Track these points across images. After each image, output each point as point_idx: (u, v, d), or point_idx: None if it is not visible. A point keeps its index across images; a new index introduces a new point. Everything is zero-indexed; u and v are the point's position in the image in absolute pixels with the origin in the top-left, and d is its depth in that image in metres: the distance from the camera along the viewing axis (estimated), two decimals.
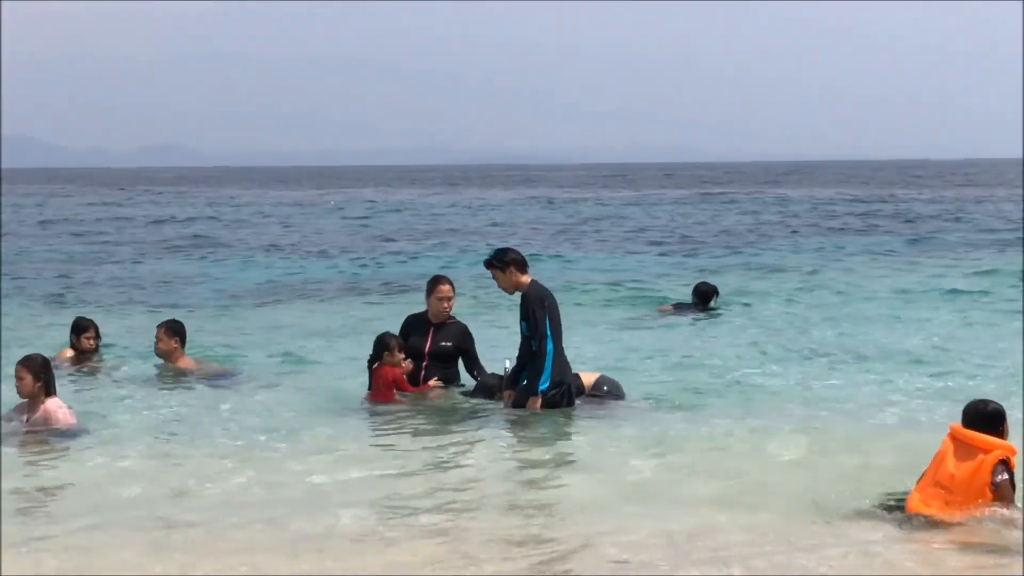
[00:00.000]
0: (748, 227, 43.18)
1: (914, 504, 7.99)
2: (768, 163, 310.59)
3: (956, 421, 8.21)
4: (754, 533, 7.59)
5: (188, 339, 13.21)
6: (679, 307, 19.14)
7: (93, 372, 13.39)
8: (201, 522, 7.79)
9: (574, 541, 7.43)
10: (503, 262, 10.92)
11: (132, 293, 23.61)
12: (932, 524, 7.72)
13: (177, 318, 13.90)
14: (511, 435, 10.46)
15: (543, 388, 10.66)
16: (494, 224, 47.97)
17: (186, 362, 13.26)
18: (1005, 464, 7.92)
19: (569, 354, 11.12)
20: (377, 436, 10.54)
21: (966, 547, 7.41)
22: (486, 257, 11.18)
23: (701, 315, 18.50)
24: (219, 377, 12.93)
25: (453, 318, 11.80)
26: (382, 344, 11.57)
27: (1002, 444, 7.98)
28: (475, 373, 11.71)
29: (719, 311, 18.88)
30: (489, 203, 66.98)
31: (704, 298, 18.83)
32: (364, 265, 29.97)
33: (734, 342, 15.97)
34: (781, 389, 12.64)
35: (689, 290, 19.76)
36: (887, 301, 20.55)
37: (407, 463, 9.49)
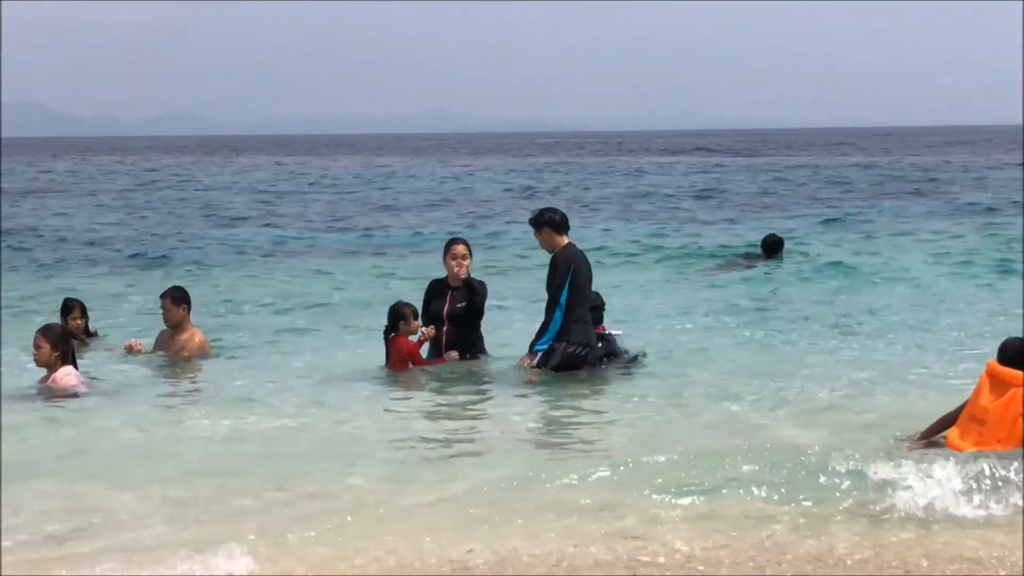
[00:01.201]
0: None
1: (953, 439, 8.28)
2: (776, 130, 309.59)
3: None
4: None
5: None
6: (748, 257, 20.62)
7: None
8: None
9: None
10: (539, 223, 11.13)
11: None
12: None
13: (179, 284, 13.52)
14: (522, 401, 10.47)
15: (540, 348, 10.86)
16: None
17: (192, 332, 12.92)
18: None
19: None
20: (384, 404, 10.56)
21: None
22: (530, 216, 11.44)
23: (770, 264, 19.90)
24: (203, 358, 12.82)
25: (472, 278, 11.74)
26: (397, 314, 11.49)
27: None
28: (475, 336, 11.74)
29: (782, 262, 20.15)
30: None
31: (772, 249, 20.11)
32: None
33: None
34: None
35: None
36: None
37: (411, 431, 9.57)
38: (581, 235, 24.62)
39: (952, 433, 8.34)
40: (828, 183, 49.43)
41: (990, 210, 33.31)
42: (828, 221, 30.50)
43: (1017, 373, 8.19)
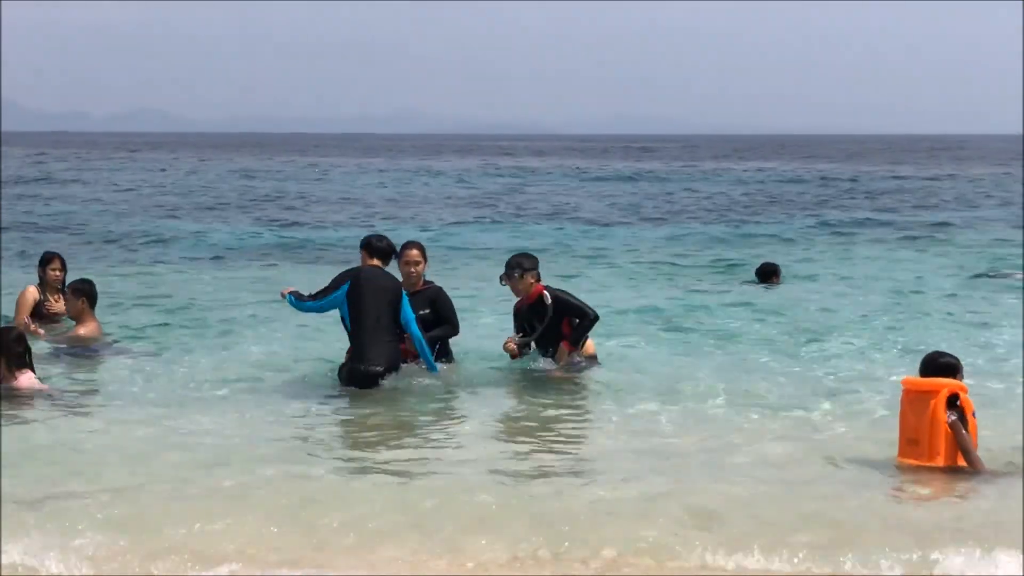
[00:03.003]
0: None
1: (902, 461, 8.31)
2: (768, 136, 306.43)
3: None
4: None
5: None
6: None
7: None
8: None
9: None
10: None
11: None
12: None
13: (86, 277, 13.36)
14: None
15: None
16: None
17: (91, 327, 12.76)
18: (953, 403, 8.11)
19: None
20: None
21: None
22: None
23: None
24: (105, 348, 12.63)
25: (429, 283, 11.54)
26: None
27: (948, 382, 8.19)
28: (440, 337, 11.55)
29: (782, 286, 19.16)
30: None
31: (766, 276, 19.39)
32: None
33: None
34: None
35: None
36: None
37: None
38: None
39: (899, 462, 8.31)
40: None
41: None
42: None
43: (931, 380, 8.25)
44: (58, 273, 13.45)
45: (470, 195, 46.34)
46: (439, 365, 11.15)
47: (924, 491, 7.86)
